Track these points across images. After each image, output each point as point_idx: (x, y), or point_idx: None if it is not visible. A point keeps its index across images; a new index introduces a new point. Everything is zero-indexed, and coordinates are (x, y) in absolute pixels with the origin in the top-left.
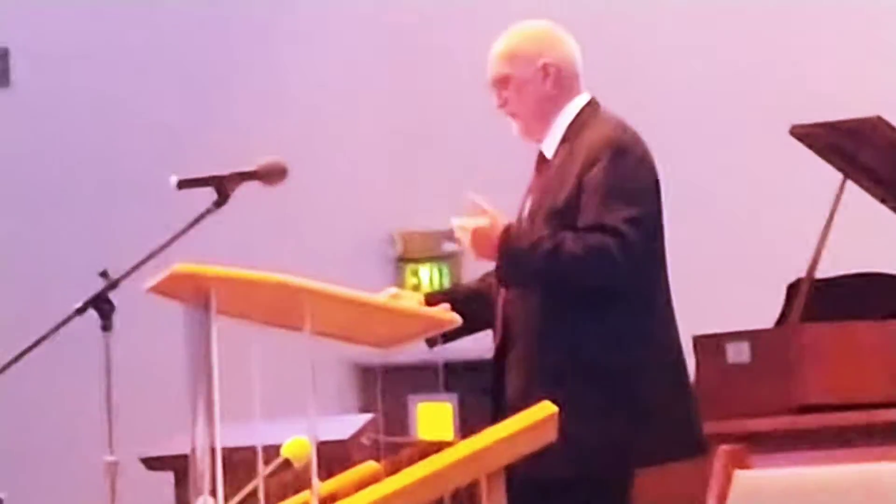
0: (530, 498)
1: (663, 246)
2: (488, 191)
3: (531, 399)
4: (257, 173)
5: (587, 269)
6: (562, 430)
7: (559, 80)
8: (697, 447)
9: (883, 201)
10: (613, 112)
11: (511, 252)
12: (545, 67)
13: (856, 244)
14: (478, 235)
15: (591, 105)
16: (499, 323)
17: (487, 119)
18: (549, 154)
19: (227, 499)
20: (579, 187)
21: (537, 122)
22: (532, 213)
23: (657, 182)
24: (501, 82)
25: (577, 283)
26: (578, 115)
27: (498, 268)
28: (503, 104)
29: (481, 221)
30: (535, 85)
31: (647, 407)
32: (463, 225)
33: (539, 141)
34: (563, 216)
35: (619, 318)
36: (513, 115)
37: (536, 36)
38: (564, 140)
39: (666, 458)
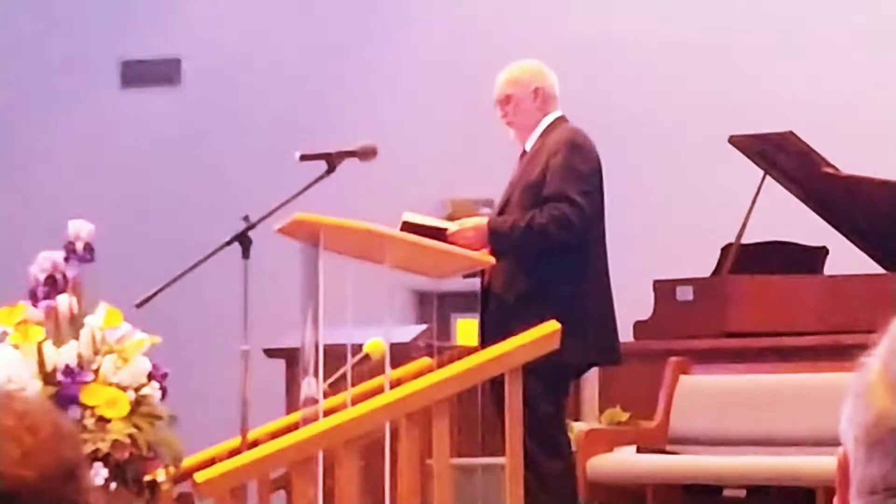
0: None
1: (603, 213)
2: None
3: (508, 317)
4: (356, 152)
5: (551, 235)
6: None
7: (544, 100)
8: (614, 356)
9: (790, 191)
10: (575, 124)
11: (496, 237)
12: (536, 91)
13: (770, 220)
14: (470, 234)
15: (561, 118)
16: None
17: None
18: (528, 149)
19: (325, 379)
20: (546, 169)
21: (527, 129)
22: (512, 187)
23: (600, 169)
24: (504, 101)
25: (545, 246)
26: (552, 123)
27: (491, 248)
28: (505, 116)
29: (449, 225)
30: (527, 103)
31: (583, 324)
32: (455, 230)
33: (525, 142)
34: (534, 188)
35: (569, 262)
36: (510, 124)
37: (530, 69)
38: (539, 139)
39: (591, 362)
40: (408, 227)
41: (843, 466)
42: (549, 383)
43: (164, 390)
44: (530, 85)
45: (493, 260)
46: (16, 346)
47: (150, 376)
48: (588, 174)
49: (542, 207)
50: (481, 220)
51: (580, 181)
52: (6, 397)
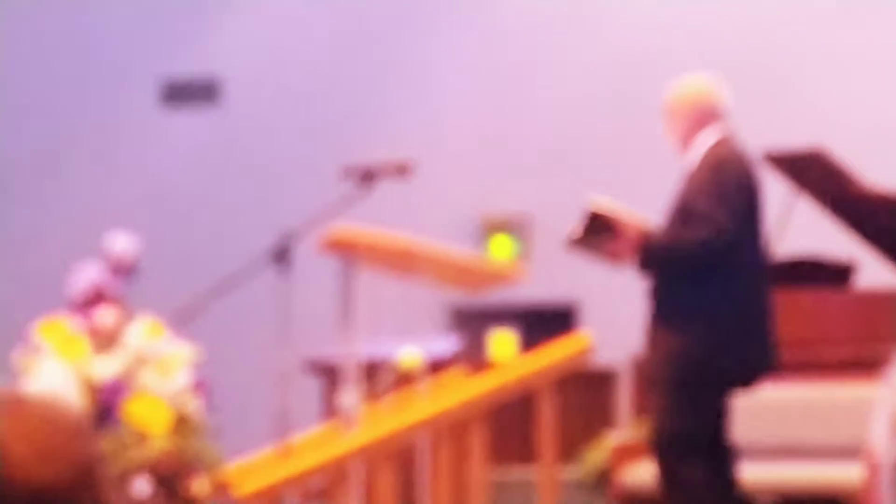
0: (663, 391)
1: (754, 230)
2: (550, 186)
3: (653, 332)
4: (394, 168)
5: (690, 256)
6: (673, 353)
7: (697, 119)
8: (762, 366)
9: (821, 206)
10: (739, 143)
11: (643, 254)
12: (689, 112)
13: (801, 234)
14: (624, 242)
15: (722, 139)
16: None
17: (557, 137)
18: (689, 168)
19: (362, 391)
20: (690, 191)
21: (680, 142)
22: (670, 205)
23: (749, 188)
24: (665, 112)
25: (686, 265)
26: (713, 143)
27: (638, 260)
28: (666, 126)
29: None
30: (681, 116)
31: (722, 345)
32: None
33: (683, 154)
34: (681, 209)
35: (710, 283)
36: (669, 133)
37: (695, 84)
38: (702, 159)
39: (744, 380)
40: (592, 217)
41: (871, 459)
42: (696, 400)
43: (204, 402)
44: (687, 100)
45: (520, 277)
46: (59, 361)
47: (191, 389)
48: (730, 194)
49: (685, 226)
50: (641, 230)
51: (720, 201)
52: (18, 401)
